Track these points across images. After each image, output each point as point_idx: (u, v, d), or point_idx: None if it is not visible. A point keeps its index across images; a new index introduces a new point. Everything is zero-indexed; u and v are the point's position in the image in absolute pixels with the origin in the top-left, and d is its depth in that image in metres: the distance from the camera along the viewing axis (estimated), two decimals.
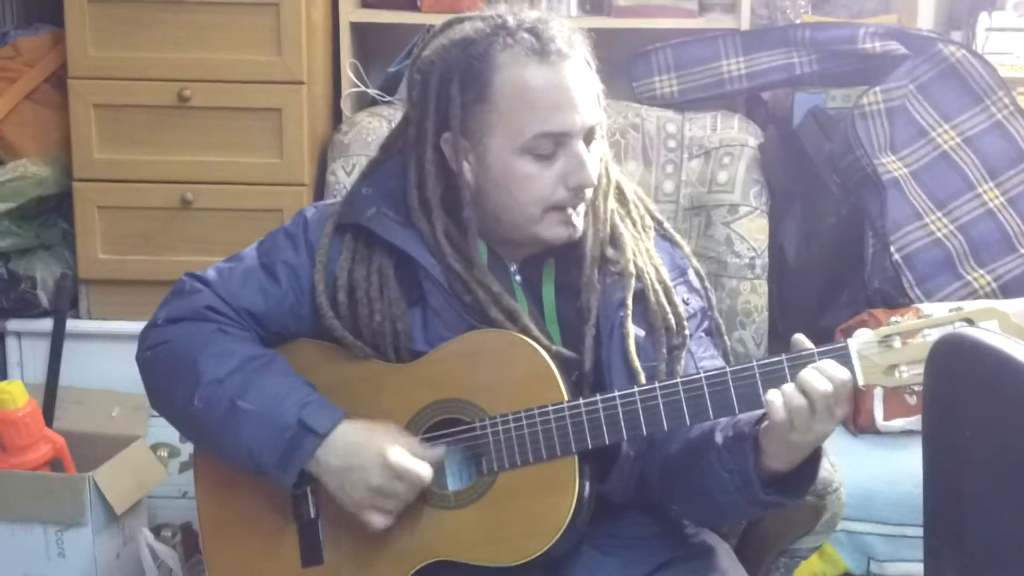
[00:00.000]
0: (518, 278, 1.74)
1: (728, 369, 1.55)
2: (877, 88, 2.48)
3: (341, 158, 2.43)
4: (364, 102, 2.72)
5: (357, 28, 2.76)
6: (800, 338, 1.55)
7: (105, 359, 2.66)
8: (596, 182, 1.69)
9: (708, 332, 1.81)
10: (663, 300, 1.72)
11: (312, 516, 1.68)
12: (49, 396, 2.65)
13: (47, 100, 2.70)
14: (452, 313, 1.68)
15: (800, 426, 1.47)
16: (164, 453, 2.66)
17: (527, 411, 1.60)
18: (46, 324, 2.67)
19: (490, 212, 1.69)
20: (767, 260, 2.33)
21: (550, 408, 1.59)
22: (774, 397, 1.48)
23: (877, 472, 2.21)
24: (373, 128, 2.44)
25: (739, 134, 2.42)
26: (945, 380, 1.27)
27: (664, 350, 1.69)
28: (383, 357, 1.69)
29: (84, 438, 2.53)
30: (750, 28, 2.67)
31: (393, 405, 1.67)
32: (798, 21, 2.76)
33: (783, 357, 1.53)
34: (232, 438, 1.63)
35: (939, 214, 2.45)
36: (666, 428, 1.57)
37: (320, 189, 2.56)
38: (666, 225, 1.85)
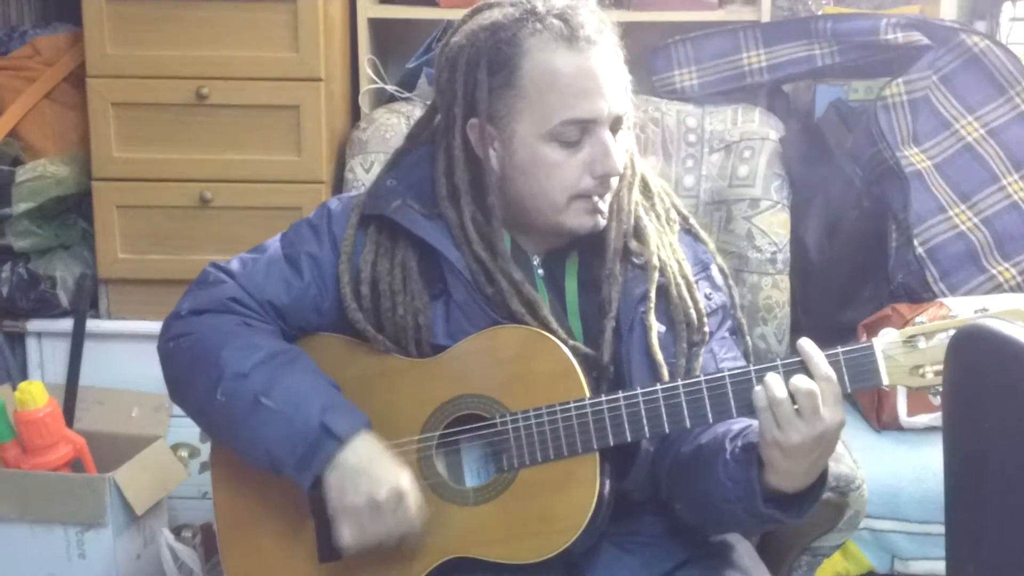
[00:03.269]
0: (540, 272, 1.73)
1: (752, 368, 1.53)
2: (900, 79, 2.46)
3: (359, 155, 2.42)
4: (382, 98, 2.71)
5: (375, 24, 2.75)
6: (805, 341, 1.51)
7: (125, 359, 2.67)
8: (622, 171, 1.68)
9: (732, 331, 1.79)
10: (685, 294, 1.70)
11: (330, 513, 1.66)
12: (69, 396, 2.66)
13: (66, 99, 2.71)
14: (475, 307, 1.66)
15: (783, 422, 1.45)
16: (184, 453, 2.66)
17: (549, 408, 1.58)
18: (66, 324, 2.68)
19: (515, 200, 1.68)
20: (789, 255, 2.31)
21: (572, 405, 1.57)
22: (759, 387, 1.47)
23: (901, 469, 2.19)
24: (391, 125, 2.43)
25: (760, 127, 2.40)
26: (964, 372, 1.26)
27: (684, 345, 1.68)
28: (404, 352, 1.68)
29: (104, 438, 2.52)
30: (771, 20, 2.65)
31: (413, 400, 1.66)
32: (819, 12, 2.74)
33: None
34: (252, 435, 1.62)
35: (963, 207, 2.43)
36: (689, 427, 1.56)
37: (338, 186, 2.56)
38: (691, 220, 1.84)
